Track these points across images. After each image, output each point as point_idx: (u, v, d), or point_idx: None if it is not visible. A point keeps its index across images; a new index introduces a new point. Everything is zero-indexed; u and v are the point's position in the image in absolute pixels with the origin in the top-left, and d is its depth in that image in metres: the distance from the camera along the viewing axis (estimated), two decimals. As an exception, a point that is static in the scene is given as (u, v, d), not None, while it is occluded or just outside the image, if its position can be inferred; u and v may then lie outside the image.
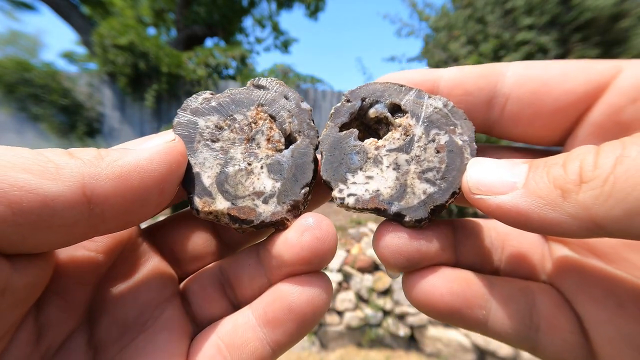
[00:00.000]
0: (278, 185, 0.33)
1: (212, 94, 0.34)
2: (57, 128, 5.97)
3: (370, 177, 0.33)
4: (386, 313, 3.05)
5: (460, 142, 0.33)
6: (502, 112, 0.33)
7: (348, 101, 0.35)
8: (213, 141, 0.33)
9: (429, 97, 0.34)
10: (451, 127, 0.33)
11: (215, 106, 0.34)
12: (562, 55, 3.26)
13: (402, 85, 0.35)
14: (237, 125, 0.34)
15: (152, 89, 6.04)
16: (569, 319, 0.31)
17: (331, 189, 0.34)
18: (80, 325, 0.31)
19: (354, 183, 0.33)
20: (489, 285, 0.32)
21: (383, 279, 3.05)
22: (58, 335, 0.29)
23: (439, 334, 2.83)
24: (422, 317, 2.89)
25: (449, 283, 0.32)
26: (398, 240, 0.32)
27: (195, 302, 0.35)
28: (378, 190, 0.33)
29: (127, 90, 6.07)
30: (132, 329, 0.32)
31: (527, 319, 0.32)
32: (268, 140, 0.34)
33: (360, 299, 3.15)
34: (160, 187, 0.27)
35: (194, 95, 0.34)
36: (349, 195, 0.33)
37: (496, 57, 3.60)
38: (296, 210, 0.33)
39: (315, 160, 0.35)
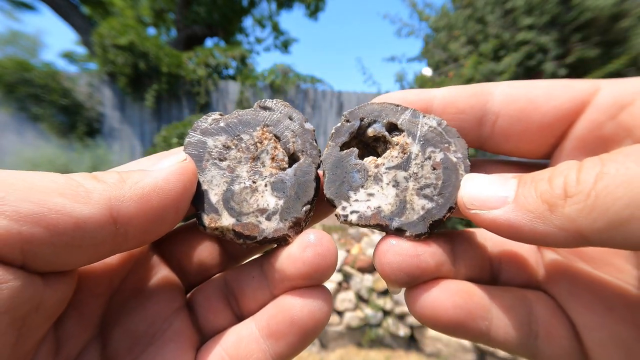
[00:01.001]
0: (281, 202, 0.34)
1: (221, 114, 0.36)
2: (57, 128, 5.97)
3: (371, 195, 0.35)
4: (386, 313, 3.05)
5: (454, 159, 0.35)
6: (493, 128, 0.35)
7: (347, 121, 0.37)
8: (221, 160, 0.35)
9: (424, 117, 0.36)
10: (445, 145, 0.35)
11: (224, 126, 0.35)
12: (562, 55, 3.26)
13: (397, 105, 0.36)
14: (243, 145, 0.35)
15: (152, 89, 6.04)
16: (563, 324, 0.33)
17: (334, 207, 0.35)
18: (94, 338, 0.31)
19: (356, 200, 0.35)
20: (490, 295, 0.33)
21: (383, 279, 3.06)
22: (74, 348, 0.30)
23: (439, 334, 2.83)
24: (422, 317, 2.89)
25: (451, 296, 0.32)
26: (398, 258, 0.33)
27: (201, 314, 0.36)
28: (379, 207, 0.34)
29: (127, 90, 6.07)
30: (142, 341, 0.33)
31: (526, 328, 0.32)
32: (272, 159, 0.36)
33: (360, 299, 3.15)
34: (176, 206, 0.29)
35: (203, 117, 0.36)
36: (351, 212, 0.34)
37: (496, 57, 3.60)
38: (298, 226, 0.34)
39: (317, 179, 0.36)
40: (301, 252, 0.32)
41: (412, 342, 3.02)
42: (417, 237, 0.33)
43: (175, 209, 0.29)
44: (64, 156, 4.36)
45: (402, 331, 2.95)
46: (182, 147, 0.35)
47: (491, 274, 0.37)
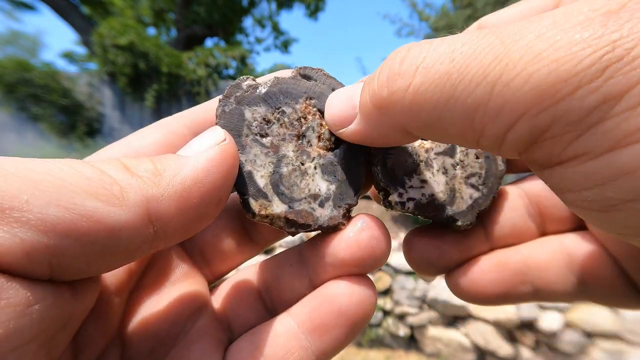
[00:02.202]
0: (333, 187, 0.31)
1: (254, 79, 0.31)
2: (57, 128, 5.97)
3: (424, 181, 0.33)
4: (386, 313, 3.05)
5: None
6: None
7: None
8: (262, 136, 0.30)
9: None
10: None
11: (262, 96, 0.31)
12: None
13: None
14: (286, 119, 0.31)
15: (152, 89, 6.03)
16: (607, 262, 0.31)
17: (388, 194, 0.33)
18: (113, 341, 0.29)
19: (412, 187, 0.33)
20: (525, 257, 0.33)
21: (383, 279, 3.05)
22: (93, 353, 0.27)
23: (439, 334, 2.83)
24: (422, 317, 2.89)
25: (487, 274, 0.32)
26: (429, 252, 0.33)
27: (229, 308, 0.33)
28: (433, 195, 0.33)
29: (127, 90, 6.07)
30: (165, 343, 0.30)
31: (571, 277, 0.32)
32: (319, 137, 0.32)
33: (360, 299, 3.15)
34: (218, 198, 0.26)
35: (236, 81, 0.31)
36: (408, 199, 0.33)
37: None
38: (349, 213, 0.32)
39: (366, 162, 0.33)
40: (356, 235, 0.29)
41: (412, 342, 3.02)
42: (467, 227, 0.33)
43: (216, 202, 0.26)
44: (64, 156, 4.35)
45: (402, 331, 2.95)
46: (206, 121, 0.31)
47: (537, 230, 0.36)
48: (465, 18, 4.06)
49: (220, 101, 0.30)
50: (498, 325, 2.64)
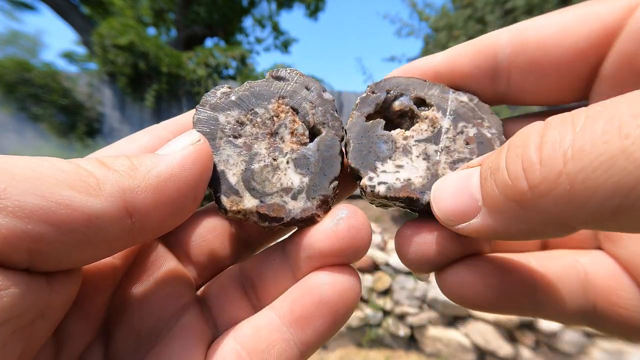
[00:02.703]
0: (306, 180, 0.32)
1: (229, 87, 0.33)
2: (57, 128, 5.97)
3: (400, 166, 0.32)
4: (386, 313, 3.05)
5: (489, 135, 0.33)
6: (509, 83, 0.31)
7: (373, 92, 0.35)
8: (235, 137, 0.32)
9: (454, 92, 0.34)
10: (478, 121, 0.33)
11: (235, 100, 0.33)
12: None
13: (425, 80, 0.34)
14: (258, 120, 0.33)
15: (152, 89, 6.03)
16: (628, 288, 0.29)
17: (359, 178, 0.33)
18: (96, 338, 0.29)
19: (384, 172, 0.32)
20: (534, 267, 0.30)
21: (383, 279, 3.05)
22: (76, 349, 0.27)
23: (439, 334, 2.83)
24: (422, 317, 2.89)
25: (485, 277, 0.29)
26: (423, 248, 0.30)
27: (215, 305, 0.33)
28: (409, 179, 0.32)
29: (127, 90, 6.07)
30: (148, 340, 0.30)
31: (581, 298, 0.30)
32: (292, 133, 0.33)
33: (360, 299, 3.14)
34: (194, 193, 0.27)
35: (211, 90, 0.33)
36: (379, 183, 0.32)
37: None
38: (326, 205, 0.32)
39: (342, 153, 0.34)
40: (334, 225, 0.29)
41: (412, 342, 3.02)
42: None
43: (193, 197, 0.27)
44: (64, 156, 4.34)
45: (402, 331, 2.95)
46: (192, 127, 0.32)
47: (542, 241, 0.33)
48: (465, 18, 4.06)
49: (196, 109, 0.32)
50: (498, 325, 2.64)
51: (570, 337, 2.40)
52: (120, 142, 0.32)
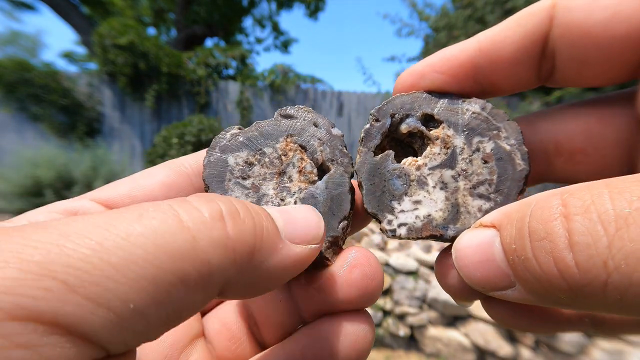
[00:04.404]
0: None
1: (240, 128, 0.33)
2: (57, 128, 5.97)
3: (418, 202, 0.31)
4: (386, 313, 3.05)
5: (507, 147, 0.30)
6: (554, 66, 0.29)
7: (376, 120, 0.33)
8: (244, 178, 0.32)
9: (463, 101, 0.31)
10: (494, 132, 0.30)
11: (244, 141, 0.32)
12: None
13: (430, 93, 0.32)
14: (267, 160, 0.32)
15: (152, 89, 6.03)
16: None
17: (379, 221, 0.31)
18: None
19: (402, 211, 0.31)
20: None
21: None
22: None
23: (439, 334, 2.83)
24: (422, 317, 2.89)
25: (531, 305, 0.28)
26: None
27: (220, 343, 0.32)
28: (429, 215, 0.30)
29: (127, 90, 6.06)
30: None
31: None
32: (300, 172, 0.32)
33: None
34: (279, 284, 0.25)
35: (222, 132, 0.33)
36: (399, 225, 0.31)
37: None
38: (336, 246, 0.31)
39: (352, 190, 0.33)
40: (347, 274, 0.28)
41: (412, 342, 3.02)
42: None
43: (274, 286, 0.25)
44: (64, 156, 4.35)
45: (402, 331, 2.95)
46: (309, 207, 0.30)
47: None
48: (465, 18, 4.06)
49: (207, 152, 0.32)
50: (498, 325, 2.64)
51: (570, 337, 2.40)
52: (137, 175, 0.31)
